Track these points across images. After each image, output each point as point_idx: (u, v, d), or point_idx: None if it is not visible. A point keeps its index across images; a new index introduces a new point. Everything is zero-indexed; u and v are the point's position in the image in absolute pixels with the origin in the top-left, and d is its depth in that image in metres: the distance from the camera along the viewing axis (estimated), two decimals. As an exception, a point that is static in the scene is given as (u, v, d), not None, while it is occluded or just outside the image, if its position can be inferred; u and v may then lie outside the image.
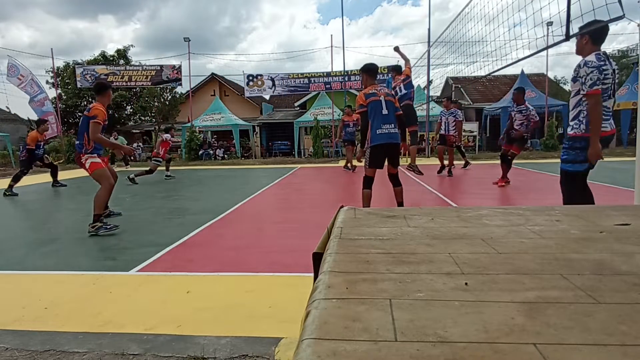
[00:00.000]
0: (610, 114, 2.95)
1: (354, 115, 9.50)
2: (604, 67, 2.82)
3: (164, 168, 9.77)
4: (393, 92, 4.31)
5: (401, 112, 4.22)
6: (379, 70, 16.76)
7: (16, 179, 7.57)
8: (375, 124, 3.99)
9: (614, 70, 2.88)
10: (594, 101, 2.77)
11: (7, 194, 7.19)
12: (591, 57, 2.85)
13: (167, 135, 9.76)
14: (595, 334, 0.34)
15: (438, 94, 23.50)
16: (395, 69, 6.27)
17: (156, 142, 9.80)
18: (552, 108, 17.12)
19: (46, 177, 10.67)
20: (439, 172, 8.37)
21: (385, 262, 0.54)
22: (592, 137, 2.81)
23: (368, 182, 4.13)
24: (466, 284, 0.46)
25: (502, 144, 6.49)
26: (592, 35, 2.86)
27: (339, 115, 18.01)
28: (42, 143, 8.15)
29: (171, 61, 21.55)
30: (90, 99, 22.68)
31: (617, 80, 2.92)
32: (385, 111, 3.99)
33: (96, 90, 4.37)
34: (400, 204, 4.41)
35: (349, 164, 10.37)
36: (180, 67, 18.01)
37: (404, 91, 5.85)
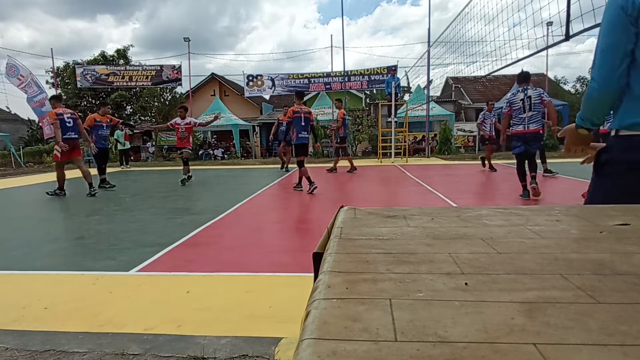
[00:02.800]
0: (525, 120, 5.05)
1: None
2: (512, 98, 5.19)
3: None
4: (308, 110, 6.68)
5: (314, 123, 7.00)
6: (379, 71, 16.87)
7: (101, 171, 7.84)
8: (297, 130, 6.51)
9: (522, 98, 5.05)
10: (504, 116, 5.47)
11: (107, 187, 7.67)
12: (509, 94, 5.50)
13: (193, 119, 8.59)
14: (595, 334, 0.34)
15: (438, 94, 23.50)
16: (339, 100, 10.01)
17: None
18: (552, 108, 17.09)
19: (45, 178, 10.67)
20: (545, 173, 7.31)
21: (385, 262, 0.54)
22: (501, 133, 5.81)
23: (301, 163, 6.62)
24: (466, 284, 0.46)
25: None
26: (517, 78, 5.32)
27: (339, 116, 18.04)
28: (104, 125, 7.69)
29: (171, 61, 21.56)
30: (90, 99, 22.68)
31: (533, 101, 5.03)
32: (303, 123, 6.51)
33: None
34: (300, 179, 6.76)
35: (286, 165, 10.49)
36: (180, 67, 18.01)
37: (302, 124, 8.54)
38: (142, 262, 2.99)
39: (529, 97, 5.01)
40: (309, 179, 6.46)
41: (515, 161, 5.33)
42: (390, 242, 0.64)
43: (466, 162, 11.54)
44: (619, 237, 0.63)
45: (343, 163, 10.17)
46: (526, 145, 5.10)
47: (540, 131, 5.09)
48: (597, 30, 1.21)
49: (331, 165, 10.28)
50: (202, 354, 1.71)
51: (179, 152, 8.71)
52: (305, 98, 21.82)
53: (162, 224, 4.40)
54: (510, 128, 5.28)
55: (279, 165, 11.15)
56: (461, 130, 17.80)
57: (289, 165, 10.55)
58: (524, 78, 5.13)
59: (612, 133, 1.17)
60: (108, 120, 7.91)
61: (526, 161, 5.20)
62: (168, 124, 8.64)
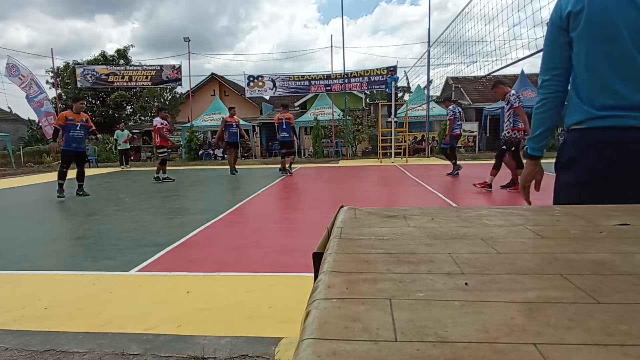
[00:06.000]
0: (460, 125, 8.09)
1: (236, 117, 9.95)
2: (455, 110, 7.86)
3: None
4: (289, 116, 9.21)
5: (293, 125, 9.27)
6: (379, 72, 16.87)
7: (61, 176, 6.53)
8: (279, 132, 9.22)
9: (459, 111, 8.01)
10: (450, 122, 7.93)
11: (81, 194, 6.78)
12: (452, 106, 8.09)
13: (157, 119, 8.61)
14: (595, 334, 0.34)
15: (438, 93, 23.49)
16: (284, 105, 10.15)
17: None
18: (552, 108, 17.10)
19: (45, 178, 10.67)
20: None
21: (385, 262, 0.54)
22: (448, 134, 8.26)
23: (284, 155, 9.51)
24: (466, 284, 0.46)
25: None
26: (446, 100, 8.93)
27: (339, 116, 18.03)
28: (77, 125, 6.46)
29: (170, 61, 21.56)
30: (90, 99, 22.67)
31: (462, 115, 8.81)
32: (284, 126, 9.18)
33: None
34: (287, 166, 9.49)
35: (234, 168, 9.88)
36: (180, 67, 18.01)
37: (284, 127, 9.37)
38: (142, 262, 2.99)
39: (460, 111, 8.06)
40: (283, 168, 9.38)
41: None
42: (390, 242, 0.64)
43: (466, 162, 11.54)
44: (619, 237, 0.63)
45: (347, 163, 10.13)
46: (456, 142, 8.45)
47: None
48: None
49: (330, 164, 10.50)
50: (202, 354, 1.71)
51: (229, 148, 10.11)
52: (305, 98, 21.93)
53: (162, 224, 4.40)
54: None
55: (230, 169, 10.17)
56: (461, 130, 17.77)
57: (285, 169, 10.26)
58: (449, 99, 9.14)
59: (566, 130, 1.30)
60: (84, 120, 6.62)
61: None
62: (222, 127, 9.79)
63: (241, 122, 19.00)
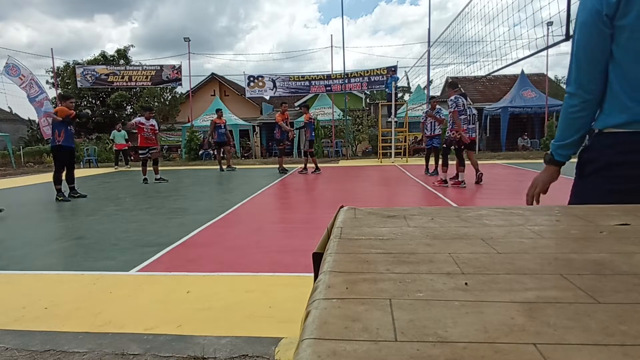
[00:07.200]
0: (429, 127, 8.28)
1: (224, 119, 11.42)
2: (423, 115, 8.48)
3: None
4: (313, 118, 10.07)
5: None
6: (379, 72, 16.87)
7: (70, 179, 6.52)
8: (311, 131, 9.75)
9: (425, 112, 8.53)
10: (442, 122, 8.36)
11: (77, 196, 6.55)
12: (438, 107, 8.43)
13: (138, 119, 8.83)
14: (595, 334, 0.34)
15: (438, 93, 23.50)
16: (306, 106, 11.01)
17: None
18: (552, 108, 17.11)
19: (45, 178, 10.67)
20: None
21: (385, 262, 0.54)
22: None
23: (313, 154, 9.96)
24: (466, 284, 0.46)
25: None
26: (434, 101, 8.61)
27: (339, 116, 18.03)
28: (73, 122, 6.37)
29: (170, 61, 21.55)
30: (90, 99, 22.68)
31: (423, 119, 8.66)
32: (313, 125, 9.77)
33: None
34: (315, 167, 10.04)
35: (229, 165, 11.51)
36: (180, 67, 18.00)
37: (313, 126, 10.10)
38: (142, 262, 2.99)
39: (426, 112, 8.46)
40: (316, 164, 10.06)
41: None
42: (390, 242, 0.64)
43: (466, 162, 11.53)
44: (619, 237, 0.63)
45: (347, 163, 10.13)
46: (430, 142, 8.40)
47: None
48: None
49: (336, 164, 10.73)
50: (202, 354, 1.71)
51: (218, 148, 11.46)
52: (305, 98, 21.97)
53: (162, 224, 4.40)
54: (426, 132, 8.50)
55: (219, 167, 11.66)
56: (461, 131, 17.74)
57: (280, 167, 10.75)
58: (436, 99, 9.27)
59: (595, 132, 1.18)
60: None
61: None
62: (212, 128, 11.07)
63: (241, 122, 19.12)
